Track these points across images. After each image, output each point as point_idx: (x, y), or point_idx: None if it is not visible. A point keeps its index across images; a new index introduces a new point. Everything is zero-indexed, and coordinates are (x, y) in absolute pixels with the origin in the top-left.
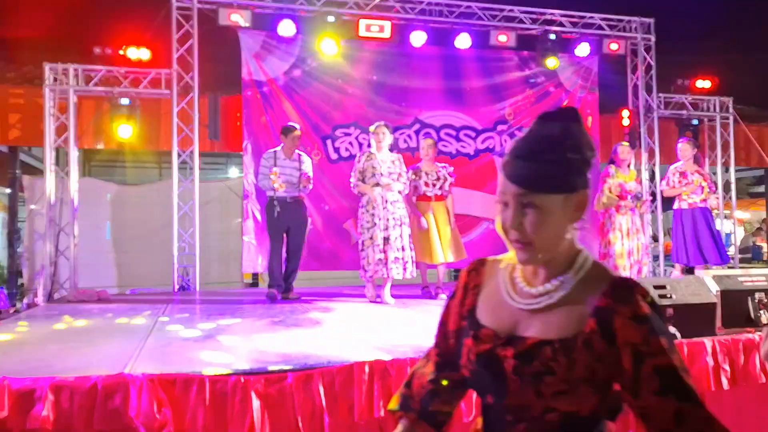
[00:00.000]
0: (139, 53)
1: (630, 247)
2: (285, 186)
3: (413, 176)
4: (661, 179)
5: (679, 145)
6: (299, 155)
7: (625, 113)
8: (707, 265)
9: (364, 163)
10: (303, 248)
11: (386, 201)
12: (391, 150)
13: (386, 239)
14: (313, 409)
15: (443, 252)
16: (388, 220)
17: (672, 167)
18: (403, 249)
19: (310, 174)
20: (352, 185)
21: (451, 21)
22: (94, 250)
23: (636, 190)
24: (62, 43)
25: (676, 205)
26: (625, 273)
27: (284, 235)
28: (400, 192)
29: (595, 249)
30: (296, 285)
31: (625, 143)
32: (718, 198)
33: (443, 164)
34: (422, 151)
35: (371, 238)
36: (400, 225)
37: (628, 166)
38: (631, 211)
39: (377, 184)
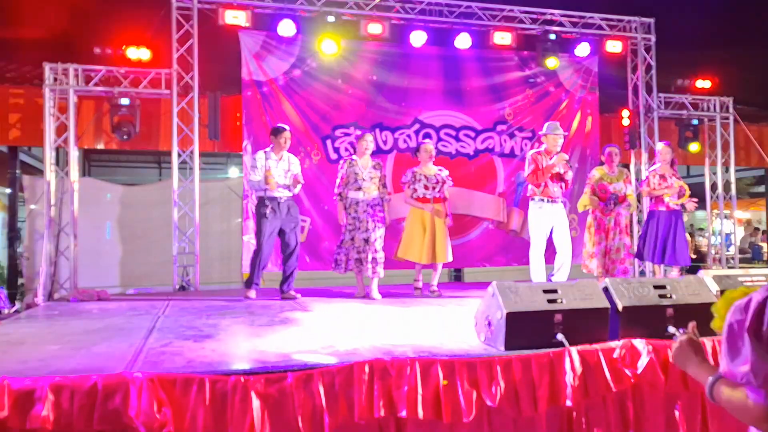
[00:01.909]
0: (139, 53)
1: (608, 247)
2: (277, 186)
3: (412, 178)
4: (640, 181)
5: (660, 148)
6: (288, 156)
7: (625, 113)
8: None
9: (347, 169)
10: (299, 248)
11: (367, 204)
12: (391, 150)
13: (366, 240)
14: (313, 409)
15: (441, 253)
16: (368, 222)
17: (651, 169)
18: (380, 250)
19: (299, 175)
20: (335, 195)
21: (451, 21)
22: (94, 250)
23: (622, 191)
24: (62, 43)
25: (652, 206)
26: (602, 272)
27: (276, 236)
28: (382, 197)
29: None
30: (295, 285)
31: (614, 145)
32: (696, 202)
33: (439, 167)
34: (423, 154)
35: (352, 239)
36: (378, 228)
37: (617, 166)
38: (617, 212)
39: (359, 189)
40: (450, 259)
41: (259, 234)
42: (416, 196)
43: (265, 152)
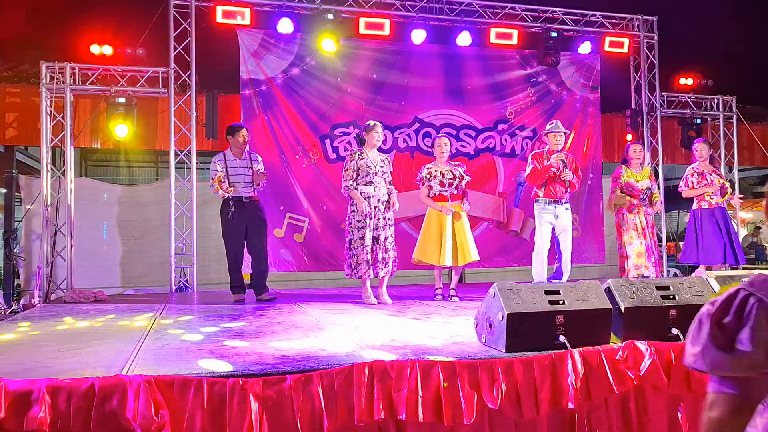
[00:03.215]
0: (136, 52)
1: (648, 245)
2: (232, 190)
3: (427, 176)
4: (679, 180)
5: (697, 145)
6: (249, 154)
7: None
8: (724, 265)
9: (357, 161)
10: (266, 247)
11: (378, 200)
12: (390, 149)
13: (376, 239)
14: (312, 411)
15: (461, 254)
16: (379, 219)
17: (689, 168)
18: (392, 249)
19: (261, 172)
20: (343, 187)
21: (452, 19)
22: (90, 251)
23: (648, 189)
24: (59, 42)
25: (695, 206)
26: (644, 272)
27: (244, 236)
28: (389, 193)
29: (600, 249)
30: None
31: (637, 143)
32: (741, 197)
33: (457, 162)
34: (437, 149)
35: (361, 237)
36: (390, 226)
37: (641, 164)
38: (645, 211)
39: (370, 183)
40: (476, 258)
41: (225, 236)
42: (432, 194)
43: (224, 154)
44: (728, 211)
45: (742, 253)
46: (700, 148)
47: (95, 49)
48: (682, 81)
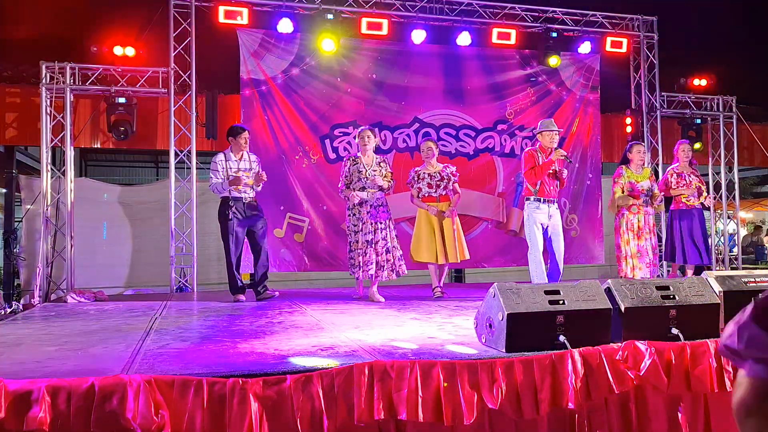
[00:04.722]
0: (135, 52)
1: (644, 247)
2: (242, 186)
3: (415, 178)
4: (658, 181)
5: (681, 146)
6: (248, 155)
7: (628, 120)
8: (698, 265)
9: (350, 167)
10: (267, 247)
11: (371, 206)
12: (390, 150)
13: (370, 242)
14: (312, 411)
15: (450, 252)
16: (370, 224)
17: (669, 169)
18: (390, 250)
19: (263, 173)
20: (340, 191)
21: (452, 18)
22: (91, 251)
23: (649, 189)
24: (59, 42)
25: (673, 206)
26: (639, 273)
27: (243, 237)
28: (383, 189)
29: (598, 249)
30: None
31: (640, 143)
32: (715, 199)
33: (445, 164)
34: (423, 153)
35: (357, 241)
36: (386, 228)
37: (642, 165)
38: (645, 211)
39: (363, 188)
40: (466, 257)
41: (225, 235)
42: (421, 196)
43: (224, 153)
44: (704, 211)
45: (710, 255)
46: (686, 149)
47: (95, 49)
48: (683, 81)
